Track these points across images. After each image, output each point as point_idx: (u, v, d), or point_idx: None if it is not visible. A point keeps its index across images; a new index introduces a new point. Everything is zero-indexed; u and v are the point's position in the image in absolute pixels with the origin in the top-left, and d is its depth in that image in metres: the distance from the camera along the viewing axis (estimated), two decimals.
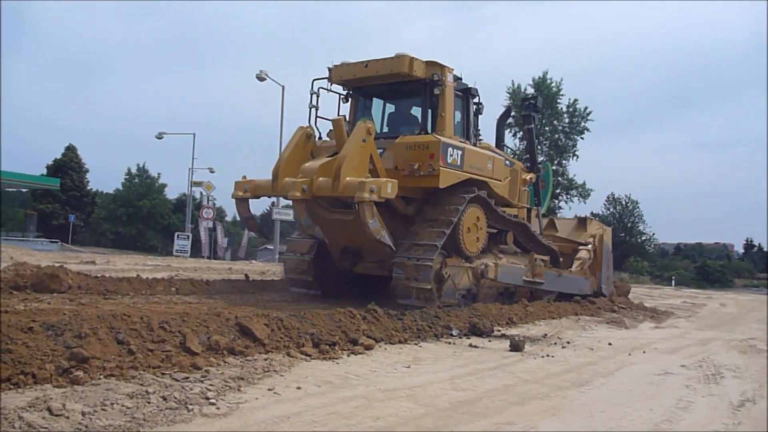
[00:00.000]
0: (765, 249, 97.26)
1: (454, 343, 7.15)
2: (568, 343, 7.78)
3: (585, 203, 48.44)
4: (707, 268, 71.72)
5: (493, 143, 12.72)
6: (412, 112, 11.02)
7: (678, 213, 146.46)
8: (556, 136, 45.20)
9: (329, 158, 9.67)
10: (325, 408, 4.16)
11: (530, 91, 44.58)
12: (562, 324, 9.68)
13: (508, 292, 11.49)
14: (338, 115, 10.72)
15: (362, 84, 10.83)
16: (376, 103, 11.36)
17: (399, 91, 10.84)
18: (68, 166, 55.63)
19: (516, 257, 11.73)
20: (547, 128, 46.00)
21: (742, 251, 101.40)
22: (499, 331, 8.32)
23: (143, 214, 54.48)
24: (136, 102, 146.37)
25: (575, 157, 45.74)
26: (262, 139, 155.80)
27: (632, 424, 4.28)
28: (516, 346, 6.88)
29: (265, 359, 5.29)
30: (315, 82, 10.60)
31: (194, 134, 44.54)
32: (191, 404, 3.93)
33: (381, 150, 9.98)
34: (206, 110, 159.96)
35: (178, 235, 39.58)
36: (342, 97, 11.06)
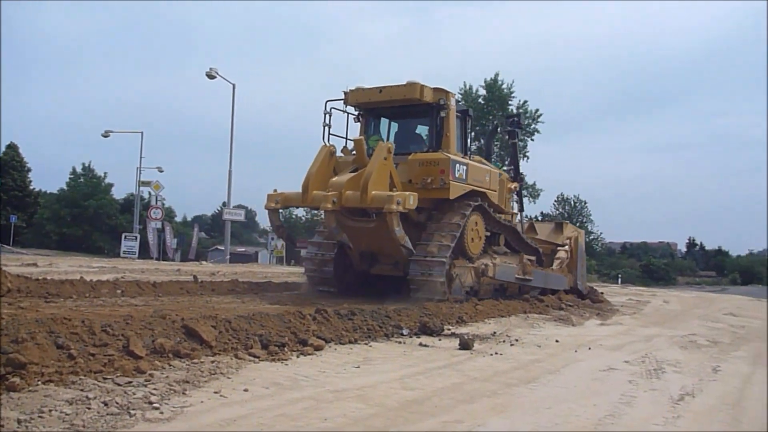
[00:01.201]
0: (707, 248, 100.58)
1: (404, 343, 7.17)
2: (517, 340, 7.88)
3: (534, 203, 49.22)
4: (652, 266, 73.84)
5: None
6: (418, 131, 12.62)
7: (624, 213, 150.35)
8: (507, 137, 45.80)
9: (353, 173, 11.06)
10: (273, 410, 4.11)
11: (482, 92, 45.12)
12: (511, 322, 9.81)
13: (502, 288, 12.86)
14: (346, 132, 12.38)
15: (375, 106, 12.31)
16: (384, 123, 12.79)
17: (407, 112, 12.38)
18: (9, 165, 53.73)
19: (507, 257, 13.20)
20: (498, 129, 46.52)
21: (685, 250, 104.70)
22: (449, 329, 8.38)
23: (89, 215, 53.00)
24: (81, 99, 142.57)
25: (526, 158, 46.42)
26: (213, 137, 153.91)
27: (577, 420, 4.36)
28: (465, 345, 6.94)
29: (212, 362, 5.20)
30: (328, 103, 11.93)
31: (142, 132, 43.69)
32: (133, 409, 3.83)
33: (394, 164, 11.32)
34: (154, 108, 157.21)
35: (125, 236, 38.72)
36: (354, 117, 12.51)
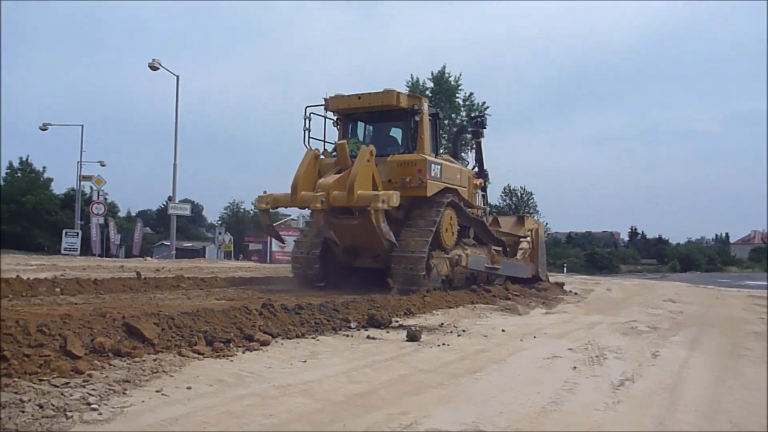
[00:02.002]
0: (648, 236, 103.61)
1: (352, 336, 7.15)
2: (464, 331, 7.96)
3: None
4: (596, 255, 75.65)
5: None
6: (392, 134, 13.67)
7: (568, 204, 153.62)
8: (455, 129, 46.14)
9: (337, 175, 12.00)
10: (217, 407, 4.05)
11: (429, 84, 45.37)
12: (458, 313, 9.91)
13: (473, 276, 13.87)
14: (324, 135, 13.50)
15: (353, 112, 13.32)
16: (360, 126, 13.84)
17: (383, 117, 13.38)
18: None
19: (476, 248, 14.19)
20: (446, 122, 46.86)
21: (627, 239, 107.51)
22: (397, 322, 8.40)
23: (27, 211, 51.16)
24: (17, 92, 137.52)
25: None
26: (157, 130, 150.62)
27: (521, 408, 4.42)
28: (413, 337, 6.97)
29: (155, 360, 5.09)
30: (308, 108, 12.85)
31: (82, 125, 42.42)
32: (70, 411, 3.71)
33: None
34: (95, 100, 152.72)
35: (66, 233, 37.65)
36: (333, 122, 13.53)
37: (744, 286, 27.48)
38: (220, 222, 73.11)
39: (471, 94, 46.55)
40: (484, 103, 46.62)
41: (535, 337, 7.82)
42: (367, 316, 8.11)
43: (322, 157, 12.90)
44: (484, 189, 16.27)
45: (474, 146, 16.94)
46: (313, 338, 6.80)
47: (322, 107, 13.19)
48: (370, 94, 12.90)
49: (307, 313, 7.58)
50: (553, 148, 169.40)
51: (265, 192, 12.70)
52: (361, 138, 13.63)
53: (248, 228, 62.21)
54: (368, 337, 7.12)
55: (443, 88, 45.06)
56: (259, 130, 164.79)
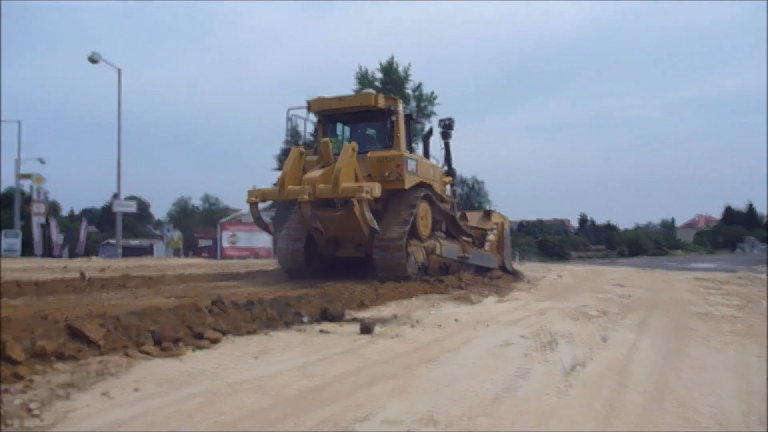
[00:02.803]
0: (597, 223, 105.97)
1: (305, 330, 7.12)
2: (417, 322, 8.00)
3: None
4: (547, 242, 76.98)
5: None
6: (369, 132, 14.85)
7: (519, 192, 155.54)
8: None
9: (321, 169, 12.94)
10: (166, 408, 3.97)
11: (378, 75, 45.36)
12: (412, 303, 9.95)
13: (445, 266, 14.81)
14: (304, 133, 15.27)
15: (334, 113, 14.49)
16: (339, 126, 15.06)
17: (362, 117, 14.56)
18: None
19: (448, 240, 15.40)
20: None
21: (577, 226, 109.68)
22: (350, 314, 8.39)
23: None
24: None
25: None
26: (100, 125, 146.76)
27: (474, 396, 4.47)
28: (366, 329, 6.98)
29: (100, 362, 4.97)
30: (290, 110, 14.32)
31: (19, 122, 41.06)
32: (10, 418, 3.59)
33: None
34: (33, 96, 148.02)
35: (5, 233, 36.43)
36: (315, 122, 14.83)
37: (690, 269, 28.41)
38: (168, 219, 71.81)
39: (420, 84, 46.73)
40: (432, 93, 46.87)
41: (488, 325, 7.91)
42: (320, 309, 8.07)
43: (303, 152, 13.88)
44: (452, 186, 17.58)
45: (443, 146, 18.02)
46: (265, 334, 6.74)
47: (304, 109, 14.42)
48: (349, 96, 14.53)
49: (258, 308, 7.50)
50: (502, 137, 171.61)
51: (253, 186, 13.64)
52: (342, 138, 14.88)
53: (197, 224, 61.28)
54: (321, 331, 7.10)
55: (392, 78, 45.07)
56: (206, 125, 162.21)
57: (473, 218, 18.47)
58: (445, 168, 17.46)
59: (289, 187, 12.94)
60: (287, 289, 10.82)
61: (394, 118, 14.16)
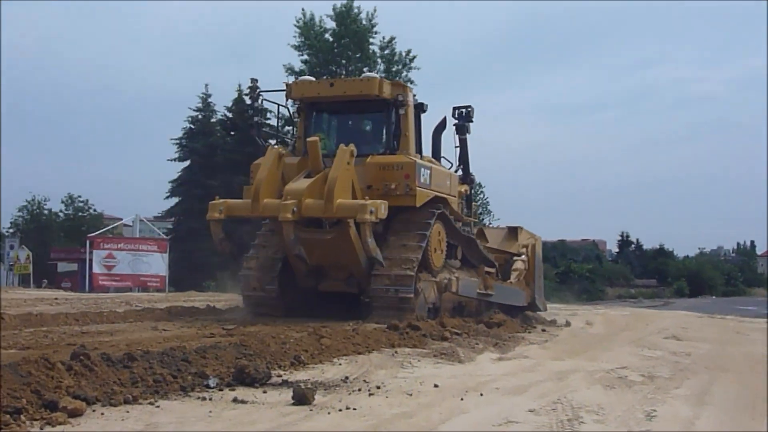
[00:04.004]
0: (644, 247, 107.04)
1: (211, 399, 7.06)
2: (378, 387, 7.98)
3: None
4: (572, 273, 77.43)
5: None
6: (368, 128, 16.26)
7: (531, 200, 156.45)
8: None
9: (307, 179, 13.99)
10: None
11: (330, 25, 45.53)
12: (371, 360, 9.94)
13: (460, 305, 15.97)
14: (278, 127, 17.69)
15: (322, 101, 15.70)
16: (327, 119, 16.30)
17: (359, 109, 15.85)
18: None
19: (464, 271, 16.50)
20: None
21: (617, 251, 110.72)
22: (279, 376, 8.35)
23: None
24: None
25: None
26: None
27: None
28: (302, 398, 6.94)
29: None
30: (261, 94, 16.20)
31: None
32: None
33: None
34: None
35: None
36: (293, 111, 16.38)
37: None
38: (12, 230, 70.67)
39: (392, 39, 46.97)
40: (409, 52, 47.15)
41: (481, 393, 7.92)
42: (235, 368, 8.02)
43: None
44: (468, 198, 18.81)
45: (457, 144, 18.79)
46: (152, 404, 6.66)
47: (276, 92, 15.71)
48: (345, 80, 16.46)
49: (142, 365, 7.43)
50: (508, 121, 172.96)
51: (217, 197, 14.69)
52: (331, 134, 16.09)
53: (56, 239, 60.45)
54: (235, 399, 7.05)
55: (350, 29, 45.23)
56: (68, 91, 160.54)
57: (494, 237, 19.54)
58: (460, 172, 18.38)
59: (266, 200, 13.79)
60: (188, 336, 10.72)
61: (402, 111, 15.16)
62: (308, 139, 14.43)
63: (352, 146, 13.92)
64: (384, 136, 15.59)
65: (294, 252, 13.95)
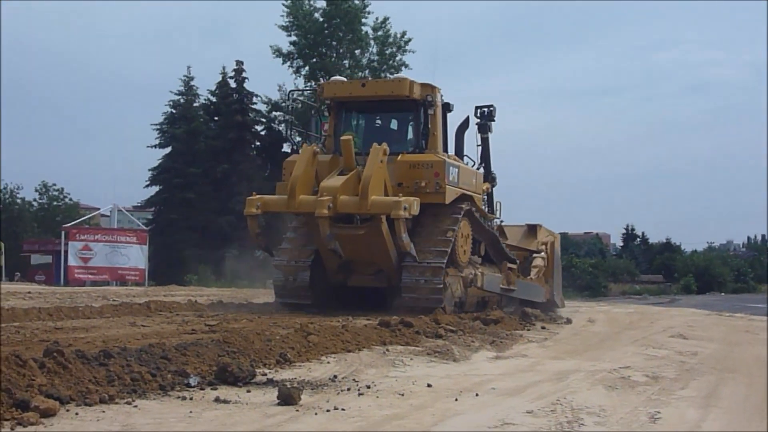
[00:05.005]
0: (650, 241, 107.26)
1: (191, 399, 7.07)
2: (368, 387, 8.01)
3: None
4: (574, 268, 77.52)
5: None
6: (395, 127, 17.87)
7: (532, 190, 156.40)
8: (361, 74, 46.43)
9: (341, 176, 15.41)
10: None
11: (321, 4, 45.50)
12: (361, 359, 9.96)
13: (483, 300, 17.63)
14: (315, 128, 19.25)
15: (353, 101, 17.32)
16: (357, 117, 17.87)
17: (389, 108, 17.50)
18: None
19: (489, 267, 18.15)
20: (346, 62, 47.06)
21: (621, 244, 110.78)
22: (264, 375, 8.37)
23: None
24: None
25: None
26: None
27: None
28: (287, 398, 6.95)
29: None
30: (292, 92, 18.63)
31: None
32: None
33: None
34: None
35: None
36: (323, 110, 18.29)
37: None
38: None
39: (385, 20, 46.93)
40: (404, 34, 47.12)
41: (477, 394, 7.95)
42: (217, 366, 8.03)
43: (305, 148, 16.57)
44: (490, 195, 20.43)
45: (480, 143, 20.26)
46: (129, 403, 6.67)
47: (306, 92, 17.42)
48: (376, 81, 18.05)
49: (118, 363, 7.43)
50: (509, 106, 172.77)
51: (254, 194, 16.05)
52: (361, 133, 17.47)
53: (29, 230, 60.29)
54: (217, 399, 7.06)
55: (341, 9, 45.17)
56: (42, 72, 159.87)
57: (513, 235, 21.13)
58: (482, 170, 19.90)
59: (301, 197, 15.16)
60: (168, 333, 10.72)
61: (431, 111, 16.73)
62: (342, 138, 15.74)
63: (384, 145, 15.27)
64: (413, 135, 17.18)
65: (330, 247, 15.11)
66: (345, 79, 17.64)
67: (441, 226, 16.15)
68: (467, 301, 16.61)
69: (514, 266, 19.19)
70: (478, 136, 19.91)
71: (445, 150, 17.54)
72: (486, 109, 20.30)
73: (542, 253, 21.41)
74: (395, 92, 16.58)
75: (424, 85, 16.88)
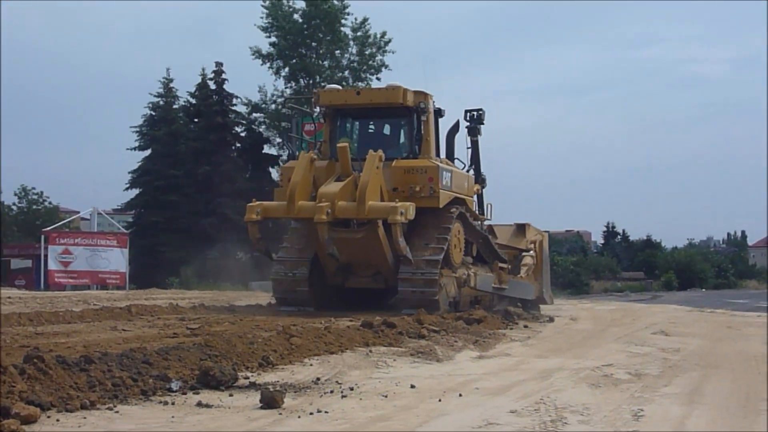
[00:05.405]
0: (631, 238, 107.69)
1: (173, 403, 7.04)
2: (352, 389, 8.00)
3: None
4: (555, 266, 77.73)
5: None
6: (389, 133, 18.47)
7: (514, 188, 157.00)
8: (341, 74, 46.42)
9: (338, 182, 16.02)
10: None
11: (300, 4, 45.51)
12: (344, 361, 9.94)
13: (476, 299, 18.24)
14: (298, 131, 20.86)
15: (348, 108, 17.93)
16: (351, 124, 18.57)
17: (383, 115, 18.22)
18: None
19: (481, 267, 18.86)
20: (325, 62, 47.05)
21: (602, 242, 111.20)
22: (247, 378, 8.35)
23: None
24: None
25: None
26: None
27: None
28: (270, 401, 6.93)
29: None
30: (287, 102, 19.10)
31: None
32: None
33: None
34: None
35: None
36: (319, 118, 18.98)
37: None
38: None
39: (365, 20, 46.92)
40: (384, 35, 47.11)
41: (461, 394, 7.95)
42: (199, 370, 8.00)
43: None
44: (480, 197, 20.93)
45: (470, 146, 20.71)
46: (110, 409, 6.64)
47: (300, 99, 17.58)
48: (371, 89, 19.01)
49: (99, 368, 7.39)
50: (492, 105, 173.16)
51: (254, 200, 16.71)
52: (355, 139, 18.23)
53: (9, 234, 60.01)
54: (199, 403, 7.03)
55: (320, 9, 45.15)
56: (22, 72, 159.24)
57: (502, 234, 21.81)
58: (472, 172, 20.49)
59: (300, 202, 15.77)
60: (150, 337, 10.67)
61: (423, 118, 17.53)
62: (338, 145, 16.30)
63: (380, 152, 15.93)
64: (406, 141, 17.86)
65: (328, 251, 15.76)
66: (340, 87, 18.26)
67: (434, 230, 16.77)
68: (461, 301, 17.27)
69: (505, 265, 19.83)
70: (468, 139, 20.42)
71: (438, 154, 18.26)
72: (475, 113, 20.79)
73: (531, 252, 22.12)
74: (389, 100, 17.19)
75: (417, 93, 17.50)
